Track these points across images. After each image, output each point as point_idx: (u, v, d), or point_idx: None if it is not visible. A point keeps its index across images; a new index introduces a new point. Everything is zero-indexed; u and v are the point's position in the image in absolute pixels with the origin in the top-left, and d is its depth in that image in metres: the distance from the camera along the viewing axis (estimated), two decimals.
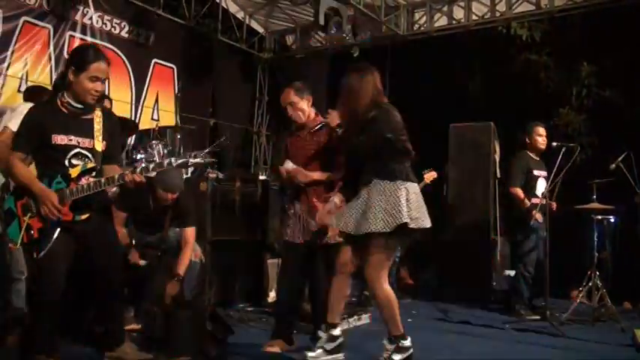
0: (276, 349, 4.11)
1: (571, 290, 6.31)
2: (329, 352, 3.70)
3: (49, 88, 6.18)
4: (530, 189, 6.04)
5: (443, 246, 7.55)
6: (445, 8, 8.24)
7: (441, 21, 8.33)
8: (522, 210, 5.95)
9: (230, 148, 9.01)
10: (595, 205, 5.79)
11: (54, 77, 6.51)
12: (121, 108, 6.99)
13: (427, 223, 3.67)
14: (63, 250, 3.38)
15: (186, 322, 3.99)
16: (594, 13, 7.75)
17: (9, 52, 6.29)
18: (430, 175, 6.54)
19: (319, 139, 4.17)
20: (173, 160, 3.34)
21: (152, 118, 7.80)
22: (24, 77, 6.39)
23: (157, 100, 7.95)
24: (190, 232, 4.79)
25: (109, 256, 3.60)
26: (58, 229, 3.34)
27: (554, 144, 5.71)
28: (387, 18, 8.23)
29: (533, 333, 5.19)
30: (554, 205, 5.94)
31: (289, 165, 4.13)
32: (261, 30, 9.64)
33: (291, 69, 9.51)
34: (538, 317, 5.56)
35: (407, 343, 3.69)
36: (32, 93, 4.90)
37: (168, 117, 7.64)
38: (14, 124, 3.80)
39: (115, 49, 7.32)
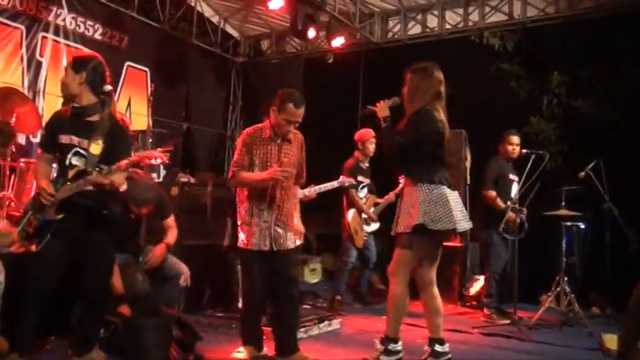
0: (245, 356, 4.05)
1: (540, 295, 6.39)
2: None
3: (21, 89, 6.16)
4: (505, 193, 6.09)
5: None
6: (419, 17, 8.32)
7: (415, 29, 8.40)
8: (494, 214, 5.98)
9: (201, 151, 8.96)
10: (564, 211, 5.87)
11: (25, 78, 6.43)
12: None
13: (456, 225, 3.76)
14: (54, 253, 3.45)
15: (151, 330, 3.93)
16: (565, 25, 7.92)
17: None
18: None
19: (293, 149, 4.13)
20: (127, 162, 3.37)
21: None
22: None
23: (129, 104, 7.86)
24: (171, 219, 4.85)
25: (94, 270, 3.61)
26: (49, 235, 3.44)
27: (525, 151, 5.81)
28: (361, 25, 8.29)
29: (502, 337, 5.23)
30: (524, 210, 6.00)
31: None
32: (236, 34, 9.63)
33: (266, 74, 9.52)
34: (507, 321, 5.62)
35: (397, 347, 3.73)
36: None
37: (140, 120, 7.55)
38: None
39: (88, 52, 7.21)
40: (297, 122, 3.98)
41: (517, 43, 9.77)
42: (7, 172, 5.28)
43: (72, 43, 6.92)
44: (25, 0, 6.50)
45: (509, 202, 5.89)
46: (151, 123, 6.64)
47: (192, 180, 6.33)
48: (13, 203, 5.12)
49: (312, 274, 8.64)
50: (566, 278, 5.79)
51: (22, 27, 6.55)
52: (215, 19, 9.22)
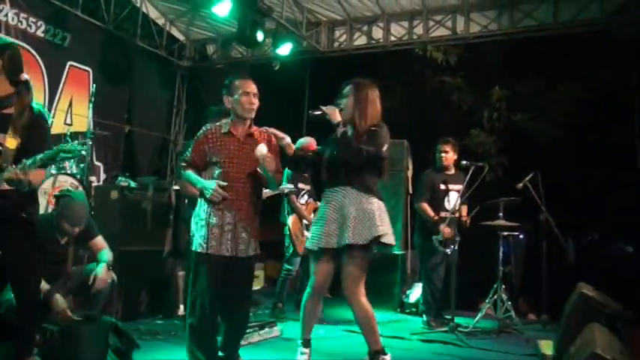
0: None
1: (479, 303, 6.52)
2: None
3: None
4: (437, 204, 6.14)
5: None
6: (365, 28, 8.46)
7: (360, 40, 8.53)
8: (429, 225, 6.06)
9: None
10: (501, 222, 6.02)
11: None
12: None
13: (393, 240, 3.85)
14: None
15: (87, 337, 3.81)
16: (507, 42, 8.15)
17: None
18: None
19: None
20: (43, 155, 3.17)
21: (65, 123, 7.47)
22: None
23: (70, 104, 7.63)
24: (100, 238, 4.55)
25: (15, 267, 3.43)
26: None
27: (464, 162, 5.93)
28: (308, 33, 8.36)
29: (440, 343, 5.31)
30: (466, 218, 6.08)
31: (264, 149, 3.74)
32: (181, 38, 9.52)
33: (211, 78, 9.43)
34: (446, 329, 5.71)
35: (387, 358, 3.68)
36: None
37: (81, 122, 7.35)
38: None
39: (30, 49, 7.01)
40: (255, 93, 3.82)
41: (460, 58, 10.02)
42: None
43: (14, 40, 6.67)
44: None
45: (442, 214, 5.99)
46: (92, 125, 6.48)
47: (133, 184, 6.19)
48: None
49: (254, 281, 8.55)
50: (503, 286, 5.95)
51: None
52: (161, 21, 9.09)
